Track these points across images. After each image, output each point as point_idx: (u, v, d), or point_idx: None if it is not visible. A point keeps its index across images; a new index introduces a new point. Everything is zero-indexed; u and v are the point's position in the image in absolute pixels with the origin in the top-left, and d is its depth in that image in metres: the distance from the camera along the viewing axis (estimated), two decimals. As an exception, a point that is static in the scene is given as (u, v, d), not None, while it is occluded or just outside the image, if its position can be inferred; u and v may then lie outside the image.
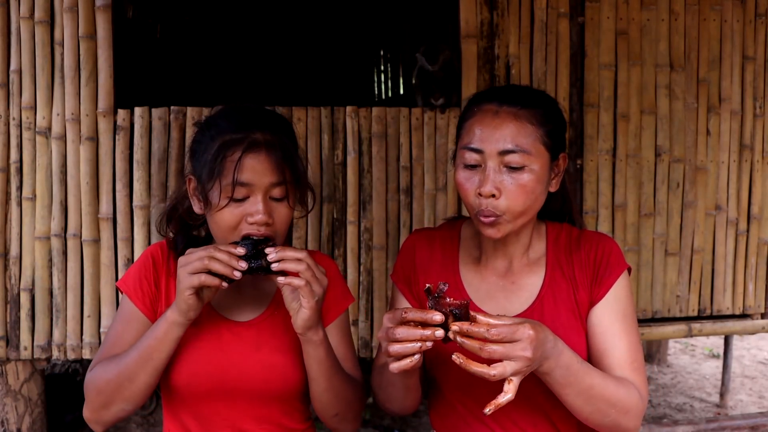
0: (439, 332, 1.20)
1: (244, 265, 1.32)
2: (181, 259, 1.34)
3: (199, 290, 1.34)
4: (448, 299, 1.23)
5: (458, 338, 1.20)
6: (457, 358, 1.19)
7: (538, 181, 1.40)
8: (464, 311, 1.22)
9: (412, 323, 1.22)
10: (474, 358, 1.21)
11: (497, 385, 1.45)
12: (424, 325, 1.22)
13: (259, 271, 1.34)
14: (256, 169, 1.37)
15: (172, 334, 1.37)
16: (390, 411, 1.53)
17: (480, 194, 1.39)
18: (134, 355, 1.39)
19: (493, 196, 1.38)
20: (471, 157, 1.41)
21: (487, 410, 1.21)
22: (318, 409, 1.51)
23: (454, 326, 1.20)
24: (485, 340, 1.20)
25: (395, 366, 1.24)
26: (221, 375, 1.45)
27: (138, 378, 1.39)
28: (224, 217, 1.39)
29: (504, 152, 1.38)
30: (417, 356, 1.23)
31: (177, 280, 1.34)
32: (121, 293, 1.52)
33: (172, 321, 1.36)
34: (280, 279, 1.33)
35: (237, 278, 1.32)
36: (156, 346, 1.37)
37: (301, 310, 1.35)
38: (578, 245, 1.50)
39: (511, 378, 1.21)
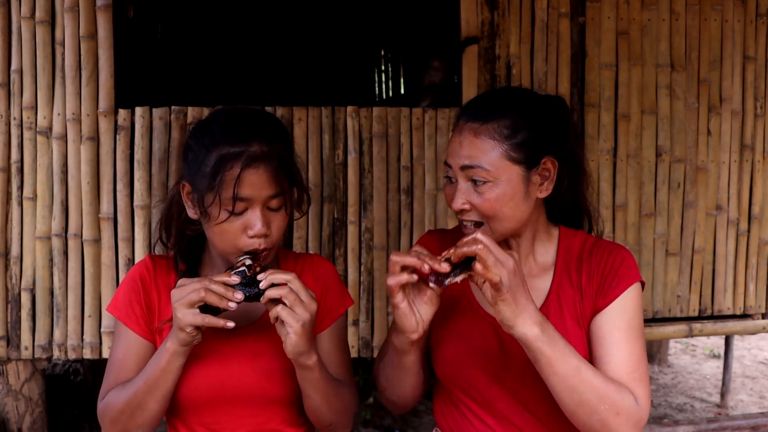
0: (445, 265, 1.28)
1: (240, 296, 1.31)
2: (175, 293, 1.32)
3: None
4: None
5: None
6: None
7: (508, 195, 1.39)
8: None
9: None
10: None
11: (503, 390, 1.45)
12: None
13: (255, 299, 1.33)
14: (255, 184, 1.37)
15: (175, 363, 1.37)
16: (393, 401, 1.53)
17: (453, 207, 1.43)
18: (141, 386, 1.39)
19: (466, 209, 1.41)
20: (447, 171, 1.45)
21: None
22: (312, 420, 1.51)
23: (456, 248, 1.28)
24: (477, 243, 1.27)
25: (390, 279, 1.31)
26: (221, 384, 1.45)
27: (148, 406, 1.40)
28: (224, 230, 1.39)
29: (464, 168, 1.39)
30: (406, 276, 1.30)
31: (175, 316, 1.32)
32: (114, 318, 1.51)
33: (174, 351, 1.36)
34: (271, 308, 1.32)
35: (233, 309, 1.32)
36: (161, 376, 1.38)
37: (288, 336, 1.32)
38: (590, 254, 1.48)
39: (498, 277, 1.24)
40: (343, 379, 1.53)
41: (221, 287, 1.31)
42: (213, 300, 1.30)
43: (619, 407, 1.31)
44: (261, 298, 1.32)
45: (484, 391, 1.47)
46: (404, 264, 1.29)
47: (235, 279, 1.32)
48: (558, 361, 1.29)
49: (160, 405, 1.41)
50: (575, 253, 1.50)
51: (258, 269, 1.34)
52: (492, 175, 1.38)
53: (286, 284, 1.32)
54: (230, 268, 1.37)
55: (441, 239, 1.61)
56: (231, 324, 1.32)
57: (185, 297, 1.30)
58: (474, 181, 1.39)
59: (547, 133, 1.43)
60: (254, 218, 1.38)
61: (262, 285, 1.31)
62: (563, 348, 1.30)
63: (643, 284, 1.47)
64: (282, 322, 1.33)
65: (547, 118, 1.44)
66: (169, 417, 1.51)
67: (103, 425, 1.47)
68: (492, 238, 1.27)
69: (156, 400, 1.39)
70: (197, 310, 1.31)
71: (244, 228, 1.38)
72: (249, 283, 1.33)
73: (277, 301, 1.32)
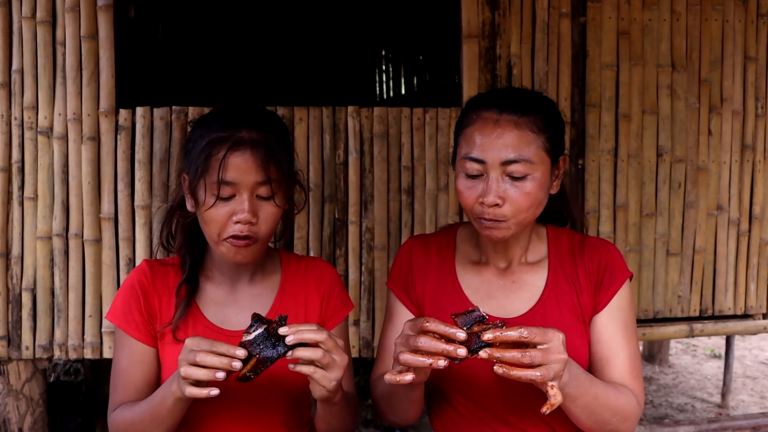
0: (462, 350, 1.17)
1: (242, 353, 1.22)
2: (182, 369, 1.25)
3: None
4: (478, 319, 1.21)
5: (496, 354, 1.17)
6: (500, 368, 1.17)
7: (540, 187, 1.40)
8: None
9: (431, 334, 1.20)
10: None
11: (503, 390, 1.45)
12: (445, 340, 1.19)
13: (276, 359, 1.22)
14: (240, 167, 1.36)
15: (180, 405, 1.35)
16: (391, 422, 1.53)
17: (483, 203, 1.38)
18: (147, 417, 1.37)
19: (497, 204, 1.38)
20: (472, 167, 1.39)
21: (545, 410, 1.21)
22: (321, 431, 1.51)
23: (488, 334, 1.17)
24: (519, 345, 1.18)
25: (390, 377, 1.24)
26: (225, 388, 1.45)
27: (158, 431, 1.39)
28: (212, 216, 1.39)
29: (506, 162, 1.37)
30: (411, 376, 1.22)
31: (185, 386, 1.26)
32: (114, 326, 1.50)
33: (180, 398, 1.31)
34: (290, 366, 1.25)
35: (236, 369, 1.23)
36: (168, 414, 1.36)
37: (319, 389, 1.29)
38: (582, 250, 1.50)
39: (552, 383, 1.21)
40: (345, 389, 1.53)
41: (216, 357, 1.23)
42: (203, 374, 1.23)
43: (627, 414, 1.39)
44: (289, 355, 1.22)
45: (481, 392, 1.46)
46: (413, 366, 1.21)
47: (240, 353, 1.23)
48: (581, 396, 1.31)
49: (171, 429, 1.40)
50: (565, 250, 1.52)
51: (274, 327, 1.24)
52: (533, 168, 1.38)
53: (316, 344, 1.24)
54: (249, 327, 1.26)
55: (424, 244, 1.59)
56: (215, 391, 1.24)
57: (182, 368, 1.24)
58: (511, 177, 1.38)
59: (563, 131, 1.48)
60: (240, 204, 1.37)
61: (288, 340, 1.22)
62: (584, 382, 1.31)
63: (630, 277, 1.51)
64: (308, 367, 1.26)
65: (561, 118, 1.49)
66: None
67: None
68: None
69: (163, 430, 1.38)
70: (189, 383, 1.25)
71: (231, 215, 1.38)
72: (266, 340, 1.22)
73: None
